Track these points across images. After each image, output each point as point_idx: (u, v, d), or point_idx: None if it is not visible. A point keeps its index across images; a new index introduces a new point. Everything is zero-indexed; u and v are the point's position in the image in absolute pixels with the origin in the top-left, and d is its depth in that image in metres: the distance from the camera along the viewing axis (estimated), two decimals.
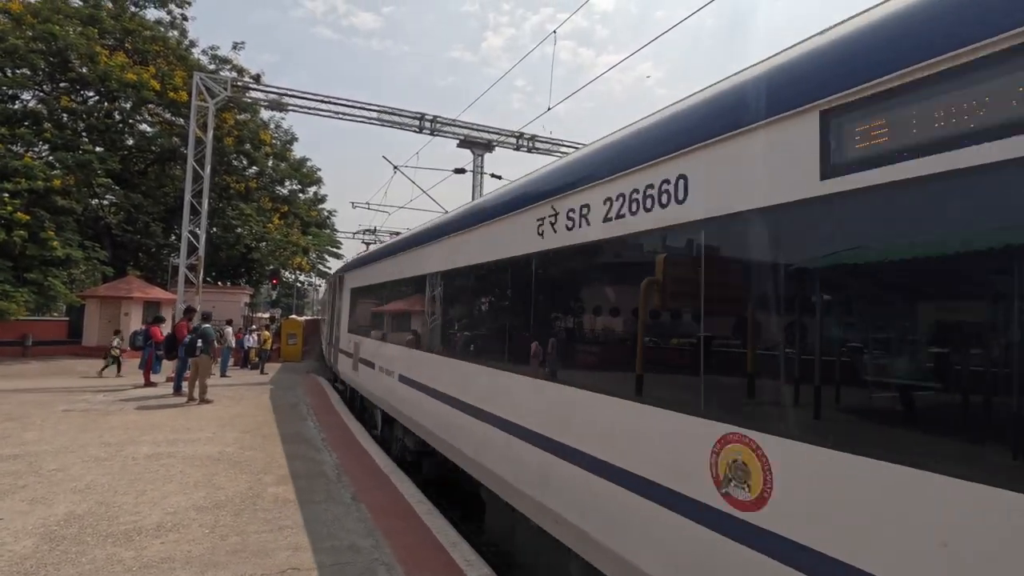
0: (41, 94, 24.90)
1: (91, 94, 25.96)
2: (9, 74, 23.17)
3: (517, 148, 24.26)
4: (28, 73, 23.52)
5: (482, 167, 24.30)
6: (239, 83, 22.16)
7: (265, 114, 30.50)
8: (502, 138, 24.10)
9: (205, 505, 5.84)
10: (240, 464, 7.49)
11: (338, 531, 5.29)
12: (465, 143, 23.92)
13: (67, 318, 25.05)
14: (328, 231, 43.64)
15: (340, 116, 21.30)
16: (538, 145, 24.36)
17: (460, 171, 21.28)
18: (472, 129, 23.69)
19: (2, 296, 18.78)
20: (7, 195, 19.44)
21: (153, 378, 14.97)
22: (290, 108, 21.29)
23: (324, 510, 5.85)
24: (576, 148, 24.18)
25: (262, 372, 19.22)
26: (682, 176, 2.99)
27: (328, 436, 9.60)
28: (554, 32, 12.58)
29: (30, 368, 18.17)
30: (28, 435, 8.67)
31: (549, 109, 13.51)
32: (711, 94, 3.09)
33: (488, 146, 24.39)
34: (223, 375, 17.64)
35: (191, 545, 4.82)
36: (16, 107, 23.96)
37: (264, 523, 5.40)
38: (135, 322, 22.47)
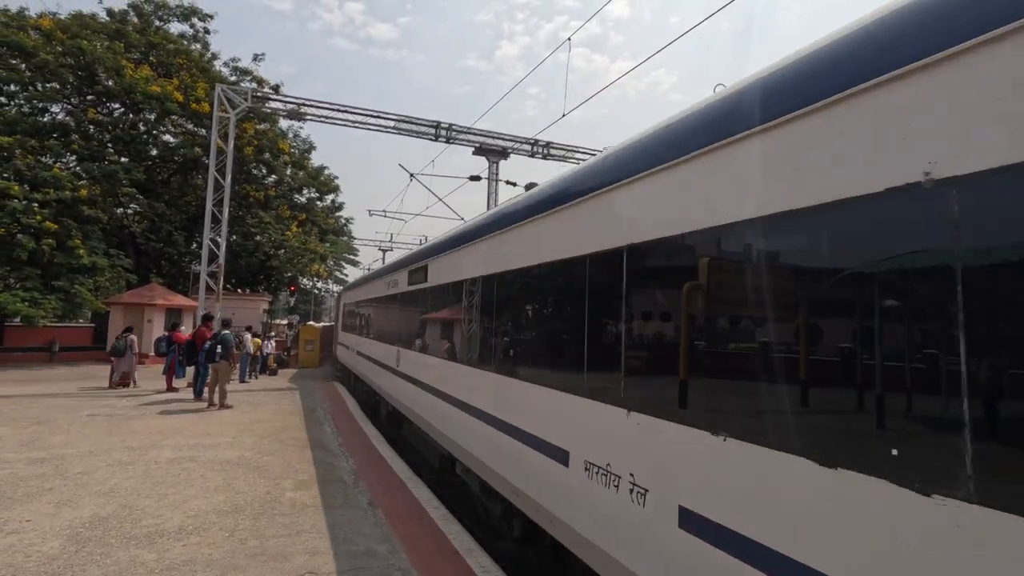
0: (69, 107, 25.66)
1: (117, 106, 26.68)
2: (40, 88, 23.94)
3: (532, 155, 24.35)
4: (57, 87, 24.28)
5: (497, 174, 24.43)
6: (259, 94, 22.61)
7: (283, 123, 31.05)
8: (517, 145, 24.21)
9: (225, 509, 5.93)
10: (259, 469, 7.59)
11: (355, 536, 5.33)
12: (480, 150, 24.07)
13: (92, 324, 25.68)
14: (345, 238, 44.20)
15: (357, 125, 21.60)
16: (553, 152, 24.43)
17: (475, 178, 21.45)
18: (487, 136, 23.84)
19: (31, 303, 19.32)
20: (37, 205, 20.04)
21: (175, 383, 15.26)
22: (308, 117, 21.64)
23: (341, 515, 5.90)
24: (592, 154, 24.31)
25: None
26: None
27: (345, 441, 9.68)
28: (568, 39, 12.64)
29: (57, 373, 18.62)
30: (55, 439, 8.88)
31: (564, 116, 13.55)
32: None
33: (503, 153, 24.51)
34: (242, 381, 17.89)
35: (211, 548, 4.90)
36: (46, 120, 24.72)
37: (282, 527, 5.46)
38: (158, 328, 22.93)
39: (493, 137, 23.97)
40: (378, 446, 9.46)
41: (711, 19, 7.69)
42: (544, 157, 24.42)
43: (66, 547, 4.82)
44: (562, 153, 24.48)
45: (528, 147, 24.17)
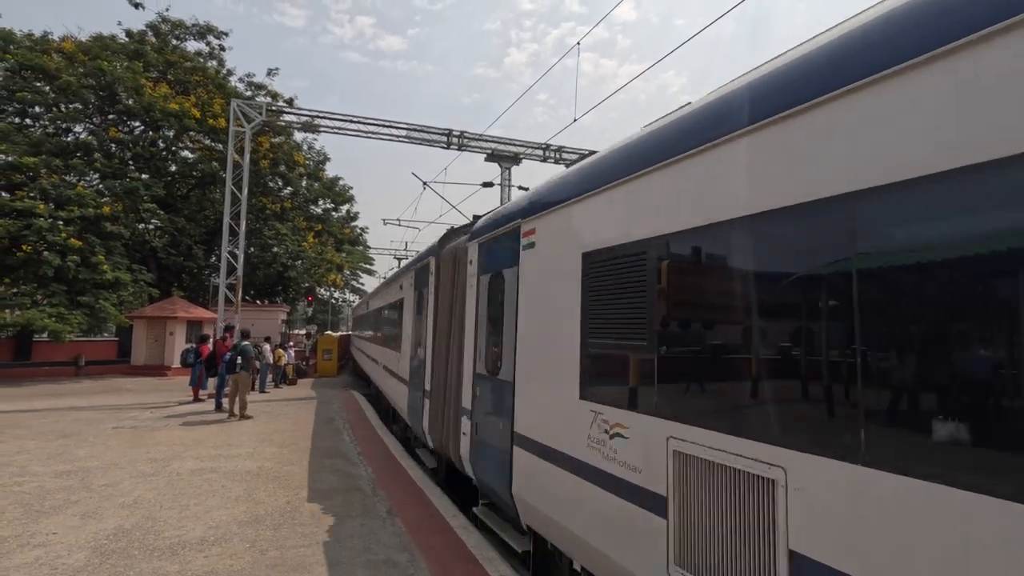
0: (92, 126, 26.33)
1: (137, 124, 27.31)
2: (63, 109, 24.62)
3: (544, 160, 24.35)
4: (80, 107, 24.94)
5: (510, 180, 24.46)
6: (273, 107, 22.95)
7: (298, 136, 31.52)
8: (529, 150, 24.22)
9: (246, 519, 5.96)
10: (279, 479, 7.63)
11: (374, 546, 5.31)
12: (492, 157, 24.13)
13: (117, 338, 26.22)
14: (361, 248, 44.60)
15: (370, 135, 21.79)
16: (565, 156, 24.39)
17: (488, 184, 21.46)
18: (499, 143, 23.89)
19: (57, 318, 19.76)
20: (62, 223, 20.54)
21: (201, 394, 15.48)
22: (322, 129, 21.89)
23: (360, 525, 5.89)
24: None
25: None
26: None
27: (363, 450, 9.70)
28: (577, 44, 12.63)
29: (83, 387, 19.01)
30: (80, 451, 9.03)
31: (575, 120, 13.52)
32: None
33: (515, 159, 24.54)
34: (262, 391, 18.07)
35: (232, 559, 4.91)
36: (69, 139, 25.40)
37: (302, 537, 5.47)
38: (179, 341, 23.33)
39: (504, 143, 24.01)
40: (396, 455, 9.45)
41: (718, 20, 7.43)
42: (556, 161, 24.39)
43: (91, 559, 4.87)
44: (574, 157, 24.42)
45: (540, 152, 24.16)
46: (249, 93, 28.87)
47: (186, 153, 29.47)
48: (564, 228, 4.44)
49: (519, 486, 4.80)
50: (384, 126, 21.66)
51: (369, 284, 50.40)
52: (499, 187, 23.73)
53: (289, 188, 32.01)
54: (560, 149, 24.27)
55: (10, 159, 21.16)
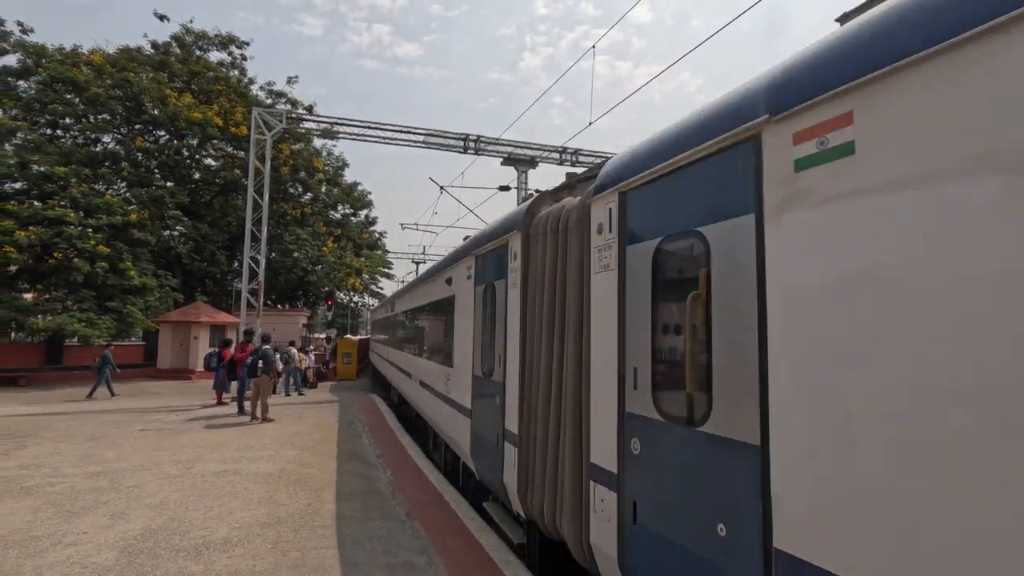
0: (119, 136, 27.09)
1: (162, 133, 28.02)
2: (92, 120, 25.37)
3: (560, 163, 24.35)
4: (108, 118, 25.67)
5: (526, 183, 24.50)
6: (293, 115, 23.35)
7: (317, 142, 32.00)
8: (545, 154, 24.24)
9: (268, 521, 6.06)
10: (300, 481, 7.74)
11: (393, 548, 5.36)
12: (509, 161, 24.21)
13: (143, 342, 26.86)
14: (380, 252, 45.04)
15: (388, 141, 22.04)
16: (582, 159, 24.36)
17: (505, 188, 21.55)
18: (515, 147, 23.96)
19: (87, 323, 20.34)
20: (91, 230, 21.15)
21: (224, 397, 15.78)
22: (341, 136, 22.21)
23: (379, 527, 5.95)
24: None
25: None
26: None
27: (382, 453, 9.79)
28: (593, 47, 12.62)
29: (117, 389, 19.46)
30: (109, 454, 9.27)
31: (590, 124, 13.51)
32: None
33: (532, 162, 24.59)
34: (287, 394, 18.32)
35: (255, 560, 5.00)
36: (98, 149, 26.17)
37: (322, 539, 5.54)
38: (203, 345, 23.82)
39: (521, 147, 24.07)
40: (415, 458, 9.53)
41: (733, 20, 7.43)
42: (573, 164, 24.37)
43: (119, 559, 5.01)
44: (591, 160, 24.38)
45: (556, 155, 24.18)
46: (270, 101, 29.42)
47: (209, 161, 30.15)
48: None
49: None
50: (402, 131, 21.89)
51: (388, 288, 50.85)
52: (515, 191, 23.79)
53: (309, 194, 32.51)
54: (577, 152, 24.25)
55: (42, 169, 21.86)
